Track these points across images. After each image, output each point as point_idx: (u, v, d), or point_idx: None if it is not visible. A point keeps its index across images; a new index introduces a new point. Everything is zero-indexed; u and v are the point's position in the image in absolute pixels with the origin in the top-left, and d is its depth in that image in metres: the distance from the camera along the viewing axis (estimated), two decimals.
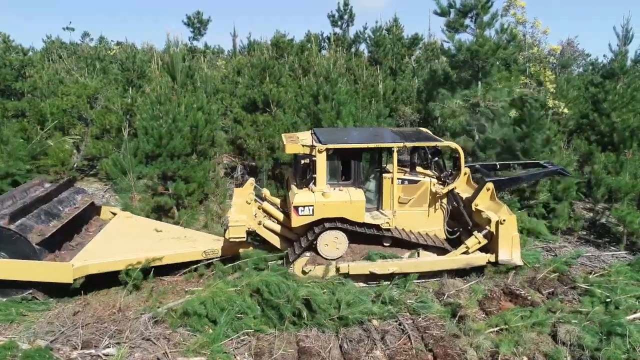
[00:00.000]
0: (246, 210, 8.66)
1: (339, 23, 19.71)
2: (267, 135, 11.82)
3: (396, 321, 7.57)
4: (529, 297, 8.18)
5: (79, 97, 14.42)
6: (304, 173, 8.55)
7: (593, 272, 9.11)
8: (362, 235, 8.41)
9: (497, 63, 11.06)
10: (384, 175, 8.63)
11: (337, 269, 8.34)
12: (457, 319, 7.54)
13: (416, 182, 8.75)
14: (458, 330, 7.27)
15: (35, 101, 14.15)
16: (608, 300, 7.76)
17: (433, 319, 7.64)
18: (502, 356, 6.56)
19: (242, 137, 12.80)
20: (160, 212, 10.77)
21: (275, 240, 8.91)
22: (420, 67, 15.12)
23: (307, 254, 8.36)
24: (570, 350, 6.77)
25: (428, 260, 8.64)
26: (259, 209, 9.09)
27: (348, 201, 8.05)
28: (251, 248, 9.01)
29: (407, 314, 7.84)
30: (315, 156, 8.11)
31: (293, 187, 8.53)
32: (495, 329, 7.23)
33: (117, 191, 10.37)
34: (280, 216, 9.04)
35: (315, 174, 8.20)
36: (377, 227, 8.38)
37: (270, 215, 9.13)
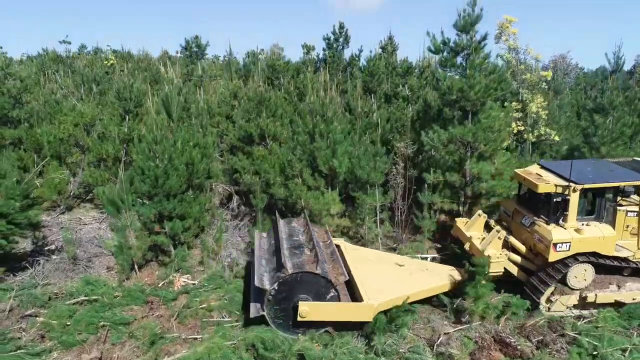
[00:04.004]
0: (495, 245, 9.66)
1: (334, 46, 19.87)
2: (262, 170, 11.92)
3: None
4: (519, 347, 8.36)
5: (76, 126, 14.49)
6: (553, 209, 9.16)
7: (582, 318, 9.28)
8: (605, 266, 9.12)
9: (489, 102, 11.22)
10: (618, 208, 9.27)
11: (584, 298, 9.13)
12: None
13: None
14: None
15: (33, 131, 14.18)
16: (595, 353, 7.94)
17: None
18: None
19: (238, 169, 12.90)
20: (156, 250, 10.88)
21: (514, 270, 9.71)
22: (415, 95, 15.26)
23: (549, 284, 9.06)
24: None
25: None
26: (499, 239, 9.82)
27: (601, 237, 8.88)
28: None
29: None
30: (567, 194, 8.87)
31: (541, 222, 9.26)
32: None
33: (113, 230, 10.46)
34: (523, 249, 9.71)
35: (566, 210, 8.97)
36: (625, 259, 9.08)
37: (513, 248, 9.81)
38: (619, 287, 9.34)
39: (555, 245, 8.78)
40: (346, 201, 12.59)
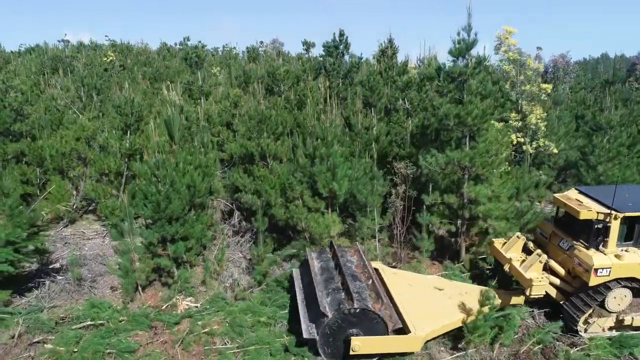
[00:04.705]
0: (537, 268, 10.00)
1: (335, 53, 19.86)
2: (263, 190, 12.09)
3: None
4: None
5: (78, 140, 14.59)
6: (593, 234, 9.49)
7: (574, 345, 9.55)
8: None
9: (486, 126, 11.35)
10: None
11: (621, 321, 9.56)
12: None
13: None
14: None
15: (35, 144, 14.28)
16: None
17: None
18: None
19: (239, 187, 13.07)
20: (160, 271, 11.09)
21: (553, 292, 10.09)
22: (414, 110, 15.36)
23: (588, 307, 9.40)
24: None
25: None
26: (540, 262, 10.11)
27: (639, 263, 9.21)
28: (522, 297, 10.32)
29: None
30: (608, 221, 9.23)
31: (580, 247, 9.65)
32: None
33: (117, 253, 10.67)
34: (563, 272, 10.05)
35: (606, 236, 9.34)
36: None
37: (552, 270, 10.22)
38: None
39: (596, 270, 9.14)
40: (345, 220, 12.82)
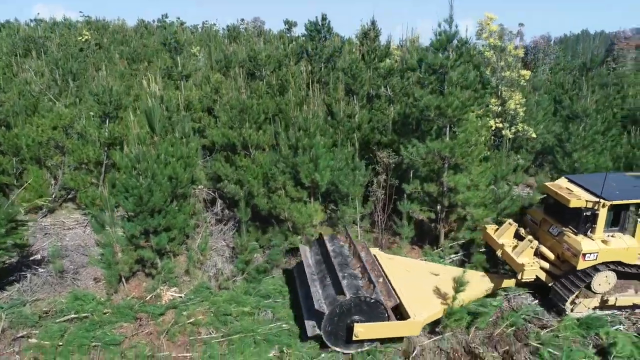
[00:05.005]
0: (528, 253, 10.52)
1: (317, 38, 19.66)
2: (246, 180, 12.13)
3: None
4: (486, 359, 9.07)
5: (55, 129, 14.28)
6: (582, 221, 9.97)
7: (545, 327, 10.03)
8: (626, 273, 10.07)
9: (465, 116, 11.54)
10: (639, 220, 10.09)
11: (605, 301, 10.15)
12: None
13: None
14: None
15: (10, 133, 13.92)
16: None
17: None
18: None
19: (221, 176, 13.07)
20: (143, 263, 11.13)
21: (543, 276, 10.60)
22: (396, 96, 15.43)
23: (576, 288, 9.98)
24: None
25: None
26: (531, 248, 10.63)
27: (625, 247, 9.82)
28: (513, 280, 10.86)
29: None
30: (596, 209, 9.70)
31: (569, 233, 10.14)
32: None
33: (99, 245, 10.64)
34: (552, 257, 10.57)
35: (594, 223, 9.82)
36: None
37: (542, 255, 10.74)
38: (636, 291, 10.34)
39: (584, 255, 9.69)
40: (328, 207, 12.99)
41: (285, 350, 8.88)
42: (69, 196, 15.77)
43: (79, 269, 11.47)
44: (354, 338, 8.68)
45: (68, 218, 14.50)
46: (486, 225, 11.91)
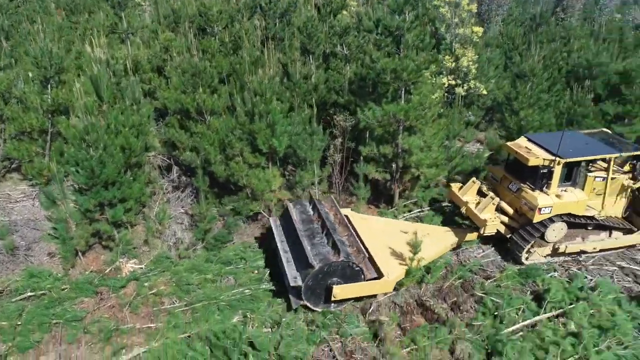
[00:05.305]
0: (490, 209, 11.27)
1: None
2: (202, 147, 11.93)
3: (327, 346, 8.93)
4: (436, 310, 9.83)
5: None
6: (539, 178, 10.67)
7: (488, 278, 10.90)
8: (575, 223, 11.00)
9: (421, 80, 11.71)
10: (588, 174, 11.04)
11: (556, 249, 11.15)
12: (378, 341, 9.01)
13: (614, 179, 11.21)
14: (378, 352, 8.78)
15: None
16: (496, 314, 9.56)
17: (358, 341, 9.08)
18: None
19: (176, 143, 12.78)
20: (99, 236, 10.96)
21: (502, 229, 11.32)
22: (352, 55, 15.30)
23: (532, 238, 10.83)
24: None
25: (625, 238, 11.53)
26: (493, 204, 11.40)
27: (576, 201, 10.66)
28: (476, 234, 11.65)
29: (337, 336, 9.20)
30: (552, 166, 10.40)
31: (527, 189, 10.82)
32: (408, 350, 8.82)
33: (51, 220, 10.32)
34: (511, 211, 11.30)
35: (550, 179, 10.54)
36: (592, 217, 11.04)
37: (502, 210, 11.47)
38: (583, 239, 11.40)
39: (540, 209, 10.45)
40: (286, 169, 13.11)
41: (249, 315, 9.23)
42: (13, 166, 14.99)
43: (31, 245, 11.18)
44: (332, 299, 9.26)
45: (14, 190, 13.86)
46: (451, 184, 12.58)
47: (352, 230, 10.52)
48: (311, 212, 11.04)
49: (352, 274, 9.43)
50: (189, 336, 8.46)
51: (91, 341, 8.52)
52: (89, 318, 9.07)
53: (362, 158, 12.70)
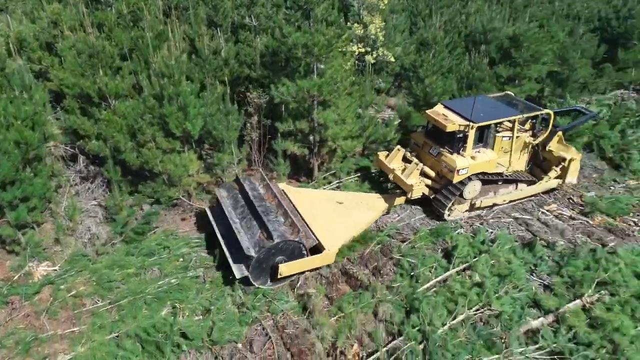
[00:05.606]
0: (415, 174, 12.09)
1: None
2: (109, 134, 11.20)
3: (260, 325, 9.25)
4: (359, 277, 10.52)
5: None
6: (456, 141, 11.59)
7: (404, 241, 11.79)
8: (487, 180, 12.18)
9: (332, 55, 11.87)
10: (496, 135, 12.21)
11: (473, 205, 12.33)
12: (307, 313, 9.51)
13: (518, 137, 12.53)
14: (308, 323, 9.29)
15: None
16: (412, 274, 10.47)
17: (289, 315, 9.51)
18: (340, 346, 8.81)
19: (79, 132, 11.85)
20: (2, 240, 10.09)
21: (427, 191, 12.33)
22: (261, 27, 14.96)
23: (452, 197, 11.88)
24: (385, 325, 9.34)
25: (528, 189, 12.98)
26: (417, 170, 12.21)
27: (487, 160, 11.80)
28: (403, 198, 12.56)
29: (269, 313, 9.55)
30: (467, 131, 11.34)
31: (446, 152, 11.76)
32: (335, 318, 9.43)
33: None
34: (433, 174, 12.23)
35: (465, 143, 11.51)
36: (501, 174, 12.30)
37: (425, 174, 12.35)
38: (494, 193, 12.66)
39: (458, 170, 11.46)
40: (203, 152, 12.81)
41: (178, 305, 9.20)
42: None
43: None
44: (279, 276, 9.64)
45: None
46: (378, 153, 13.23)
47: (293, 206, 10.84)
48: (262, 191, 11.11)
49: (299, 254, 9.86)
50: (117, 336, 8.28)
51: (8, 356, 8.02)
52: (1, 331, 8.49)
53: (279, 134, 12.78)
